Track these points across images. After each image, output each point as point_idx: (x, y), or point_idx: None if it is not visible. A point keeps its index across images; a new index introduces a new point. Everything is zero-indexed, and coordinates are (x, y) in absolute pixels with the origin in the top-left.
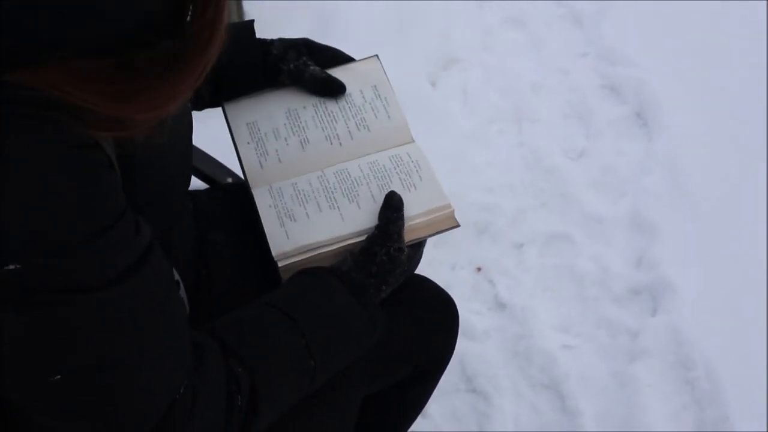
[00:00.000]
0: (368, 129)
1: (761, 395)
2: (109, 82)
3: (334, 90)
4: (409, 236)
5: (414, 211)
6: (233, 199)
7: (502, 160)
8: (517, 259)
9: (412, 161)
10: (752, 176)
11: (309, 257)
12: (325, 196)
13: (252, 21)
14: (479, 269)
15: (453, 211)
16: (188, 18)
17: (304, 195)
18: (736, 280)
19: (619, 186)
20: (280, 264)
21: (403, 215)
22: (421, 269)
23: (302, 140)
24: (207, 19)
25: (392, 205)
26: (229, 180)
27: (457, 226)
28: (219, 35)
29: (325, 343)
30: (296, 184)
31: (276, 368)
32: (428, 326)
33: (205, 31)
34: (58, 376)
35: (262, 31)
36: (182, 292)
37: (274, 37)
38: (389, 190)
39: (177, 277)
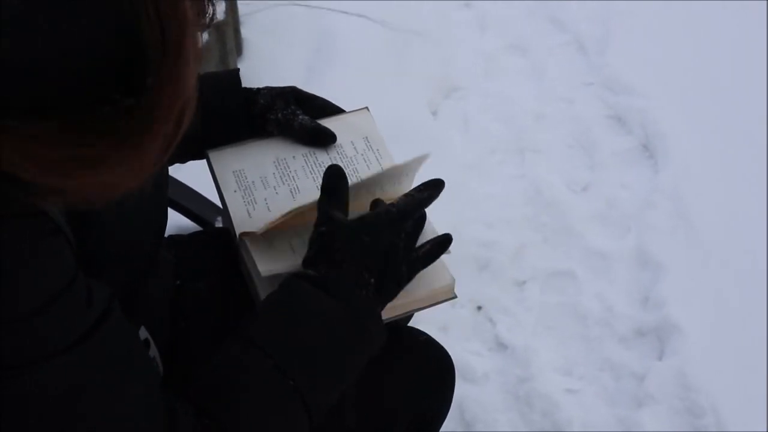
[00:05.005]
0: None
1: None
2: (62, 147)
3: (325, 139)
4: (407, 308)
5: (415, 290)
6: (220, 244)
7: (503, 192)
8: (518, 296)
9: None
10: (759, 208)
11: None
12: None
13: (237, 69)
14: (480, 308)
15: (454, 284)
16: (149, 71)
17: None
18: (744, 319)
19: (624, 220)
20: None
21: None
22: None
23: (292, 189)
24: (168, 73)
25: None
26: (219, 218)
27: (455, 297)
28: (185, 90)
29: (300, 352)
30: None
31: (248, 412)
32: (421, 382)
33: (167, 87)
34: None
35: (259, 61)
36: (153, 350)
37: (272, 65)
38: None
39: (146, 334)
